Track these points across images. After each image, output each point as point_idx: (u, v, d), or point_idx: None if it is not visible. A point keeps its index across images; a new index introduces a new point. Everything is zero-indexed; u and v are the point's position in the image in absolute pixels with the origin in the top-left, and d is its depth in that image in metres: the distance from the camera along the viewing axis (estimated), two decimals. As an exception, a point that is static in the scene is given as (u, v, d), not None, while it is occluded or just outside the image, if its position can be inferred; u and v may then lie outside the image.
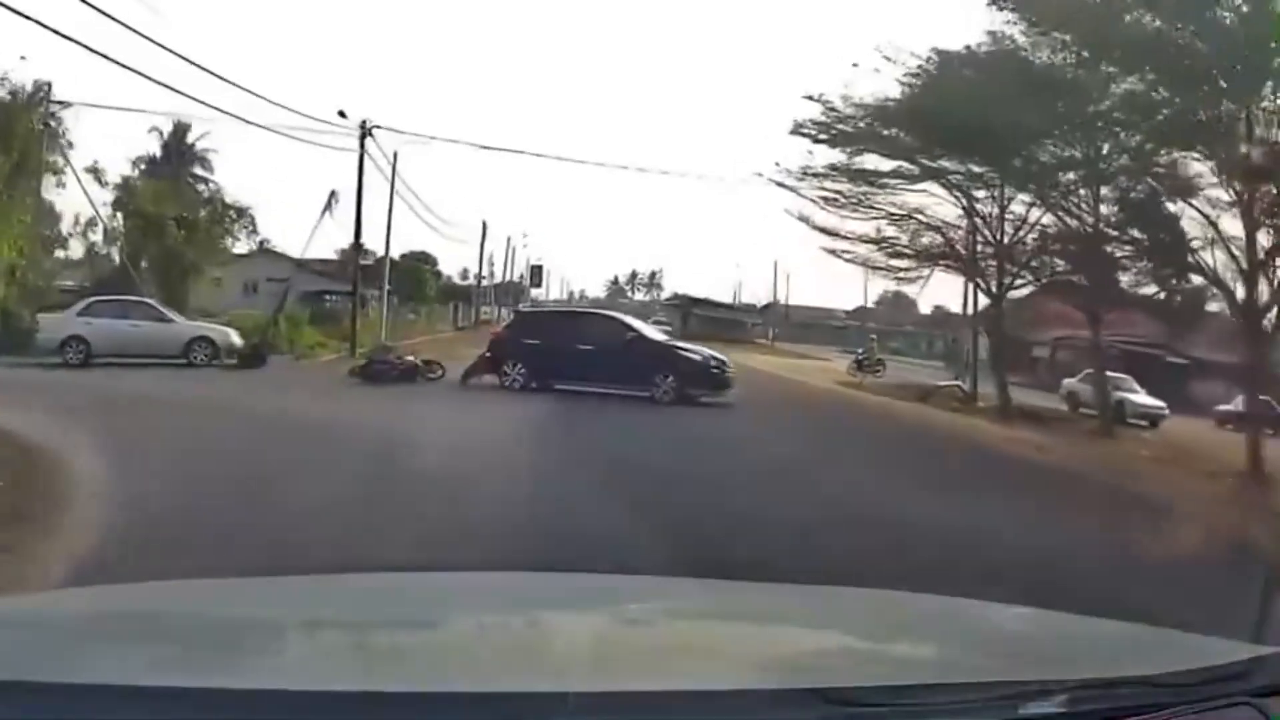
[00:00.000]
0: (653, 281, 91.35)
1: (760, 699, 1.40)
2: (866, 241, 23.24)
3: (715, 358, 18.88)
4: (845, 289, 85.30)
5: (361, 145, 27.02)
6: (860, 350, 29.95)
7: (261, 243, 34.64)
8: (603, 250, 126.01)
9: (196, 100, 22.03)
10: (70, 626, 1.78)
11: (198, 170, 39.06)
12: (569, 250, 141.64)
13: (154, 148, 38.59)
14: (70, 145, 28.59)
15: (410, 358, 19.67)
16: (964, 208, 21.78)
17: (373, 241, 31.19)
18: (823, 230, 23.40)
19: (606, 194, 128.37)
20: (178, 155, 38.68)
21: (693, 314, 43.00)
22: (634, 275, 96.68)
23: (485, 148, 33.25)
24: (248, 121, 23.48)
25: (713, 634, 2.04)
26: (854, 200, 22.52)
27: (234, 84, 21.97)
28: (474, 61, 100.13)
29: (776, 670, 1.69)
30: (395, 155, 29.10)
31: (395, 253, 44.04)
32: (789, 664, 1.77)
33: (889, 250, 23.23)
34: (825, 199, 22.73)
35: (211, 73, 20.68)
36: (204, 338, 20.44)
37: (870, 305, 55.66)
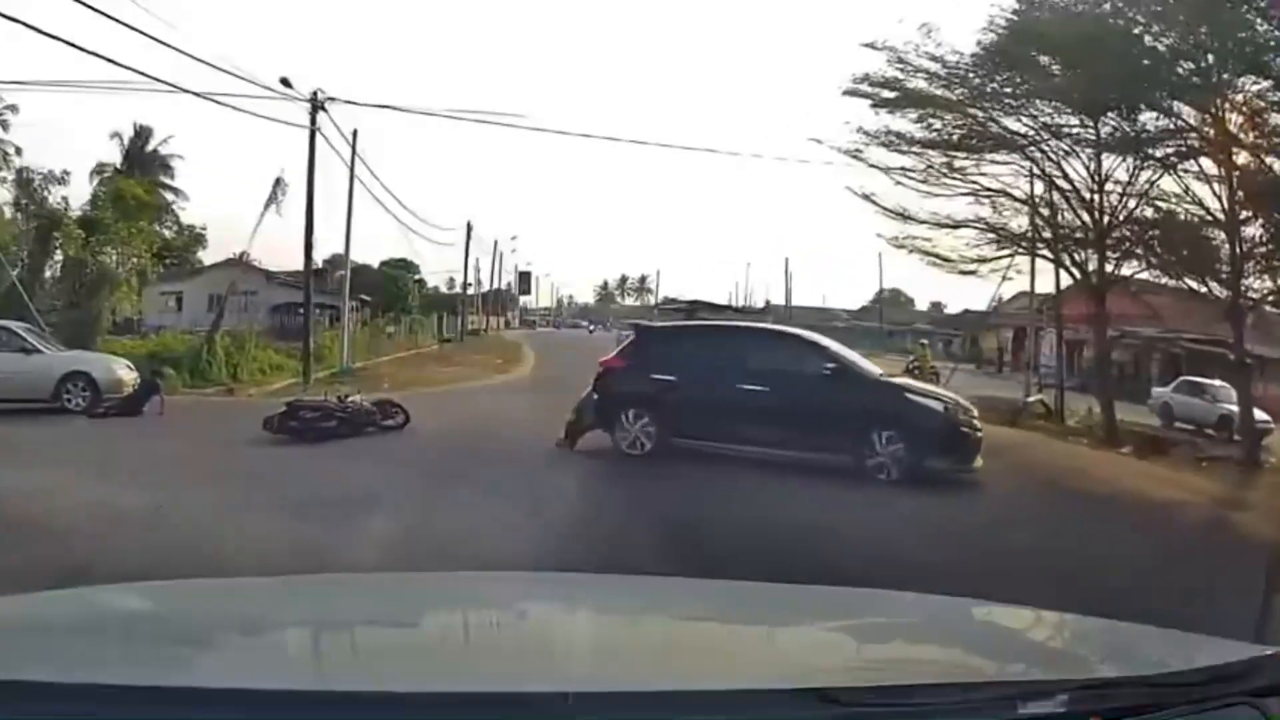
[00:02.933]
0: (643, 286, 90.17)
1: (760, 699, 1.40)
2: (946, 226, 18.85)
3: (961, 405, 12.25)
4: (837, 287, 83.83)
5: (313, 120, 22.24)
6: (912, 358, 26.18)
7: (242, 254, 31.64)
8: (590, 254, 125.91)
9: (102, 58, 17.38)
10: (70, 626, 1.78)
11: (162, 178, 37.77)
12: (556, 255, 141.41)
13: (115, 155, 37.34)
14: (17, 151, 27.07)
15: (356, 398, 14.47)
16: (1049, 183, 18.16)
17: (339, 246, 27.61)
18: (892, 213, 19.26)
19: (594, 188, 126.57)
20: (140, 163, 37.23)
21: (697, 320, 36.51)
22: (624, 280, 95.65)
23: (459, 116, 25.55)
24: (180, 89, 19.38)
25: (713, 634, 2.06)
26: (938, 173, 18.54)
27: (154, 39, 16.95)
28: (450, 32, 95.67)
29: (776, 670, 1.70)
30: (355, 134, 24.97)
31: (375, 260, 42.50)
32: (789, 664, 1.78)
33: (999, 237, 18.94)
34: (906, 170, 18.59)
35: (126, 24, 16.21)
36: (80, 373, 15.49)
37: (867, 304, 54.02)
